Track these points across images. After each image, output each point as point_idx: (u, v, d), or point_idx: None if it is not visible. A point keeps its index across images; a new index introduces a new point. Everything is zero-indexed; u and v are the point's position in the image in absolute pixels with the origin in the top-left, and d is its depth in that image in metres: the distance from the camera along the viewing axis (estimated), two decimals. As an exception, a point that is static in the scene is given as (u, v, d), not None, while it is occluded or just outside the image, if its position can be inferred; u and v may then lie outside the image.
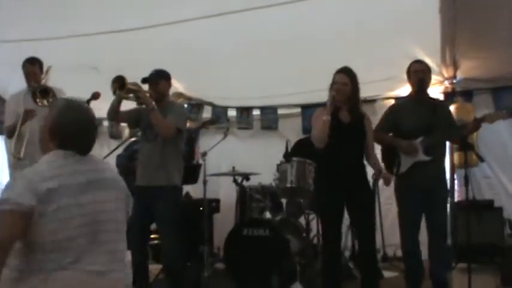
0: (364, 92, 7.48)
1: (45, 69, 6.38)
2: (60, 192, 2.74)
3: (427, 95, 5.67)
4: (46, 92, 6.10)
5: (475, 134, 6.79)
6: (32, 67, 6.30)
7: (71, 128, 2.96)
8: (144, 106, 5.54)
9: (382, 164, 5.57)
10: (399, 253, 6.57)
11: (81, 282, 2.75)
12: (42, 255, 2.70)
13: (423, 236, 5.50)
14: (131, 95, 5.50)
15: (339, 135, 5.19)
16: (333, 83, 5.31)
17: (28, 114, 6.17)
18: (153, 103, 5.49)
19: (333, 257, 5.40)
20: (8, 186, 2.78)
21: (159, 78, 5.72)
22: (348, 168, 5.22)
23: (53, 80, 6.38)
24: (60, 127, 2.94)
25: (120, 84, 5.42)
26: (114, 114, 5.75)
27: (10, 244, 2.68)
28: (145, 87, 5.70)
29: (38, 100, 6.07)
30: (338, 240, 5.41)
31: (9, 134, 6.34)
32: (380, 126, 5.71)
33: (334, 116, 5.23)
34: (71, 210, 2.76)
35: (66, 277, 2.71)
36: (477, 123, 5.41)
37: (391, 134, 5.65)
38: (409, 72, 5.60)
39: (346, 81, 5.27)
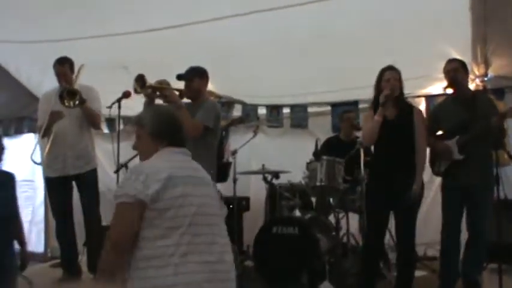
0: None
1: (77, 68, 6.46)
2: (174, 181, 2.93)
3: (465, 91, 5.65)
4: (73, 93, 6.17)
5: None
6: (62, 67, 6.39)
7: (170, 127, 3.22)
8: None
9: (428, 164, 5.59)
10: (429, 252, 6.57)
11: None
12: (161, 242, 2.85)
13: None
14: (157, 93, 5.51)
15: (385, 133, 5.22)
16: (383, 80, 5.36)
17: (54, 116, 6.26)
18: (180, 101, 5.48)
19: (374, 257, 5.44)
20: (126, 180, 2.94)
21: (193, 76, 5.67)
22: (393, 167, 5.25)
23: (84, 78, 6.47)
24: (162, 128, 3.18)
25: (141, 83, 5.44)
26: None
27: (133, 236, 2.88)
28: (181, 84, 5.72)
29: (65, 101, 6.16)
30: (381, 240, 5.45)
31: (41, 134, 6.44)
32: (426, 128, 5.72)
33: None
34: (184, 199, 2.93)
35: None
36: (501, 118, 5.38)
37: (439, 132, 5.63)
38: (444, 72, 5.61)
39: (397, 77, 5.33)
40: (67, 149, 6.41)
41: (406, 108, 5.41)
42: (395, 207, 5.32)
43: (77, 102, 6.18)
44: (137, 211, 2.85)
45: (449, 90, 5.78)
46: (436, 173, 5.67)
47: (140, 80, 5.40)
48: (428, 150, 5.66)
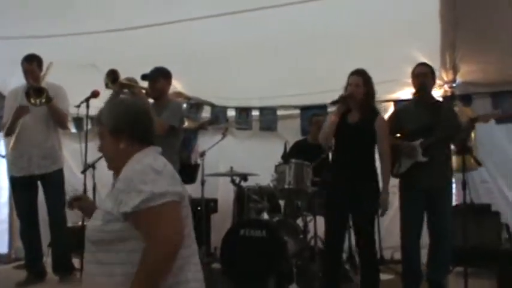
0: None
1: (45, 65, 6.38)
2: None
3: (430, 97, 5.71)
4: (40, 91, 6.09)
5: (473, 138, 6.82)
6: (30, 65, 6.31)
7: (144, 119, 2.91)
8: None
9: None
10: (396, 256, 6.61)
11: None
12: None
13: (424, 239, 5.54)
14: (126, 90, 5.48)
15: (345, 137, 5.23)
16: (348, 84, 5.37)
17: (19, 111, 6.18)
18: (149, 100, 5.49)
19: (335, 259, 5.44)
20: (149, 180, 2.57)
21: (158, 76, 5.71)
22: (352, 169, 5.25)
23: (53, 77, 6.39)
24: (135, 120, 2.85)
25: (113, 78, 5.41)
26: None
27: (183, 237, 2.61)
28: (145, 84, 5.71)
29: (31, 99, 6.07)
30: (341, 242, 5.46)
31: (5, 131, 6.35)
32: None
33: (342, 117, 5.32)
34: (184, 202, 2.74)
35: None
36: (472, 123, 5.46)
37: (398, 135, 5.67)
38: (413, 75, 5.64)
39: (359, 82, 5.32)
40: (33, 148, 6.32)
41: (370, 113, 5.39)
42: (354, 211, 5.33)
43: (43, 100, 6.09)
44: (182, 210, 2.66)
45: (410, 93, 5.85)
46: (395, 174, 5.67)
47: (112, 74, 5.38)
48: None
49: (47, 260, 6.65)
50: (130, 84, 5.48)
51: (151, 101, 5.66)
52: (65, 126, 6.62)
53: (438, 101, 5.93)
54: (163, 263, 2.52)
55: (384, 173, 5.33)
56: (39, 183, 6.51)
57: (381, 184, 5.29)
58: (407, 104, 6.09)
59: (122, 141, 2.78)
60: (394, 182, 5.78)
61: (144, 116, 2.91)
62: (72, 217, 7.47)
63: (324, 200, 6.31)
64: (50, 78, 6.39)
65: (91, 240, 2.68)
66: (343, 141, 5.35)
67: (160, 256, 2.50)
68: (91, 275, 2.68)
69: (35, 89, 6.10)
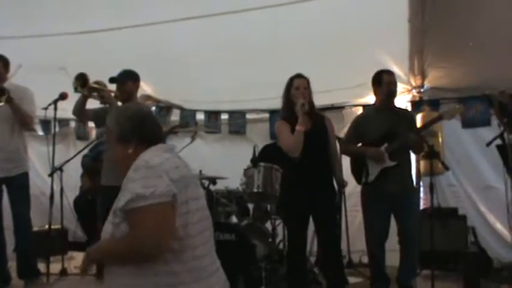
0: (332, 99, 7.60)
1: (13, 68, 6.30)
2: (183, 183, 2.67)
3: (393, 104, 5.76)
4: (1, 91, 6.01)
5: (440, 142, 6.90)
6: None
7: (150, 123, 2.91)
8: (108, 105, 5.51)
9: (351, 175, 5.71)
10: (364, 259, 6.64)
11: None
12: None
13: (390, 242, 5.58)
14: (95, 93, 5.45)
15: (303, 145, 5.17)
16: (292, 87, 5.32)
17: None
18: (117, 103, 5.46)
19: (298, 262, 5.42)
20: (144, 181, 2.55)
21: (126, 79, 5.69)
22: (312, 173, 5.23)
23: (20, 79, 6.33)
24: (141, 125, 2.86)
25: (82, 82, 5.38)
26: (80, 112, 5.72)
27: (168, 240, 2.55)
28: (113, 87, 5.68)
29: None
30: (303, 245, 5.43)
31: None
32: (347, 138, 5.81)
33: (294, 125, 5.20)
34: (192, 204, 2.69)
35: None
36: (435, 120, 5.54)
37: (359, 144, 5.71)
38: (379, 81, 5.65)
39: (306, 85, 5.32)
40: None
41: (318, 117, 5.42)
42: (315, 216, 5.31)
43: (2, 100, 6.00)
44: (174, 212, 2.57)
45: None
46: (363, 183, 5.69)
47: (81, 78, 5.34)
48: (349, 159, 5.81)
49: (12, 265, 6.54)
50: (100, 88, 5.45)
51: (119, 104, 5.62)
52: (29, 128, 6.48)
53: (398, 107, 5.98)
54: (132, 260, 2.57)
55: (337, 165, 5.49)
56: (4, 187, 6.41)
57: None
58: (367, 111, 6.12)
59: (130, 147, 2.81)
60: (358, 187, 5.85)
61: (150, 120, 2.93)
62: (40, 220, 7.41)
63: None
64: (18, 80, 6.31)
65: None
66: (301, 151, 5.26)
67: (131, 255, 2.55)
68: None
69: None
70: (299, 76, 5.35)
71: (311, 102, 5.31)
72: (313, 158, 5.21)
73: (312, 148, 5.19)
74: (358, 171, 5.69)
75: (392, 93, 5.64)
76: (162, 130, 3.00)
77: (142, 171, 2.58)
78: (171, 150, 2.87)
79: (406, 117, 5.77)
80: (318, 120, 5.38)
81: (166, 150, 2.83)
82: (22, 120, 6.26)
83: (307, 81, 5.33)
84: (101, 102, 5.64)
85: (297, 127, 5.13)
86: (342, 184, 5.42)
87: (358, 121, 5.94)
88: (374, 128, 5.62)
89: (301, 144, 5.14)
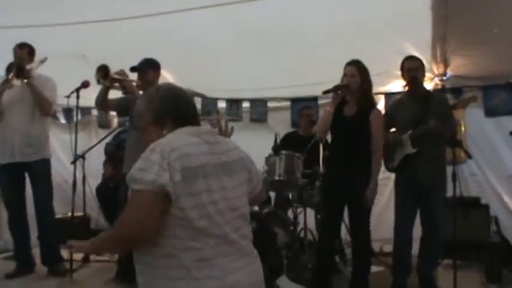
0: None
1: (38, 57, 6.36)
2: (198, 172, 2.57)
3: (422, 89, 5.73)
4: (21, 71, 6.07)
5: (463, 131, 6.85)
6: (20, 51, 6.34)
7: (183, 100, 2.82)
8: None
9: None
10: (385, 248, 6.63)
11: None
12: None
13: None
14: (116, 84, 5.48)
15: (341, 129, 5.21)
16: (343, 74, 5.36)
17: (3, 84, 6.17)
18: (139, 92, 5.48)
19: (328, 251, 5.46)
20: (143, 164, 2.49)
21: (148, 68, 5.73)
22: (348, 161, 5.25)
23: (43, 67, 6.36)
24: (174, 103, 2.77)
25: (104, 74, 5.42)
26: (102, 102, 5.75)
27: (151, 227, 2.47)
28: (135, 75, 5.70)
29: (10, 75, 6.06)
30: (335, 233, 5.48)
31: None
32: None
33: (339, 109, 5.29)
34: (204, 196, 2.57)
35: None
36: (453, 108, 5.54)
37: (392, 130, 5.69)
38: (402, 69, 5.65)
39: (354, 73, 5.30)
40: (16, 135, 6.28)
41: (367, 106, 5.38)
42: (349, 202, 5.34)
43: (25, 81, 6.08)
44: (161, 203, 2.46)
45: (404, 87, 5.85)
46: (390, 169, 5.72)
47: (103, 70, 5.38)
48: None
49: (36, 251, 6.62)
50: (121, 78, 5.48)
51: (141, 93, 5.64)
52: (47, 113, 6.47)
53: (430, 92, 5.93)
54: (120, 242, 2.60)
55: (374, 165, 5.32)
56: (26, 174, 6.48)
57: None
58: (400, 97, 6.10)
59: (165, 127, 2.72)
60: (385, 174, 5.81)
61: (183, 98, 2.84)
62: (63, 208, 7.48)
63: (314, 191, 6.36)
64: (40, 69, 6.36)
65: None
66: (339, 134, 5.31)
67: (117, 236, 2.57)
68: None
69: (18, 68, 6.09)
70: (350, 63, 5.39)
71: (359, 88, 5.32)
72: (349, 142, 5.27)
73: (349, 132, 5.26)
74: (385, 156, 5.68)
75: (413, 79, 5.59)
76: (195, 108, 2.87)
77: (146, 153, 2.53)
78: (199, 133, 2.71)
79: (438, 101, 5.71)
80: (365, 108, 5.35)
81: (192, 133, 2.69)
82: (41, 104, 6.30)
83: (359, 68, 5.35)
84: (123, 93, 5.67)
85: (327, 108, 5.26)
86: (372, 186, 5.28)
87: (390, 108, 5.98)
88: (402, 114, 5.63)
89: (327, 126, 5.26)
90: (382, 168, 5.65)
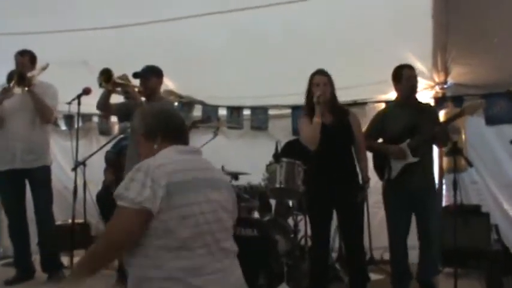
0: (355, 95, 7.57)
1: (40, 64, 6.37)
2: (185, 187, 2.78)
3: (415, 99, 5.74)
4: (23, 78, 6.08)
5: (464, 139, 6.85)
6: (22, 58, 6.34)
7: (174, 119, 3.09)
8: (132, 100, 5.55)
9: (373, 171, 5.66)
10: (386, 256, 6.61)
11: None
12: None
13: (412, 240, 5.56)
14: (119, 88, 5.49)
15: (324, 138, 5.19)
16: (313, 84, 5.32)
17: (3, 92, 6.17)
18: (141, 98, 5.49)
19: (321, 258, 5.43)
20: (127, 182, 2.73)
21: (150, 74, 5.74)
22: (336, 168, 5.23)
23: (43, 73, 6.37)
24: (166, 120, 3.05)
25: (106, 77, 5.43)
26: (104, 106, 5.76)
27: (129, 241, 2.72)
28: (137, 82, 5.71)
29: (11, 83, 6.06)
30: (326, 241, 5.44)
31: None
32: (368, 133, 5.76)
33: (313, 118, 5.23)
34: (186, 209, 2.76)
35: None
36: (457, 116, 5.49)
37: (380, 140, 5.70)
38: (399, 77, 5.64)
39: (326, 81, 5.30)
40: (17, 142, 6.27)
41: (341, 111, 5.41)
42: (339, 210, 5.32)
43: (26, 89, 6.09)
44: (141, 219, 2.68)
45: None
46: (386, 179, 5.69)
47: (106, 73, 5.39)
48: (370, 156, 5.74)
49: (36, 258, 6.62)
50: (124, 83, 5.49)
51: (143, 99, 5.66)
52: (48, 121, 6.50)
53: (421, 102, 5.94)
54: (104, 251, 2.77)
55: (363, 162, 5.39)
56: (26, 180, 6.48)
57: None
58: (388, 107, 6.12)
59: (155, 142, 2.98)
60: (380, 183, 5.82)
61: (174, 116, 3.12)
62: (63, 214, 7.48)
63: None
64: (41, 75, 6.37)
65: None
66: (322, 144, 5.28)
67: (101, 246, 2.78)
68: None
69: (19, 76, 6.09)
70: (319, 72, 5.37)
71: (331, 97, 5.30)
72: (333, 151, 5.22)
73: (331, 141, 5.20)
74: (381, 167, 5.67)
75: (413, 88, 5.62)
76: (185, 126, 3.13)
77: (132, 173, 2.75)
78: (186, 152, 3.00)
79: (429, 111, 5.77)
80: (341, 114, 5.38)
81: (180, 152, 2.96)
82: (42, 112, 6.30)
83: (328, 77, 5.34)
84: (125, 98, 5.68)
85: (314, 119, 5.16)
86: (366, 180, 5.37)
87: (379, 116, 5.93)
88: (395, 124, 5.61)
89: (318, 136, 5.15)
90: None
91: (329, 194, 5.22)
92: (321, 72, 5.36)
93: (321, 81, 5.30)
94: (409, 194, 5.45)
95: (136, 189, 2.67)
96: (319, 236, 5.40)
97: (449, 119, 5.67)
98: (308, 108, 5.38)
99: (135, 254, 2.72)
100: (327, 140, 5.18)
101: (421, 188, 5.44)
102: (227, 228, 2.98)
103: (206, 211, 2.81)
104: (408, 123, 5.51)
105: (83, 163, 6.91)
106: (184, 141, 3.05)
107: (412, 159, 5.45)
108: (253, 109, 8.70)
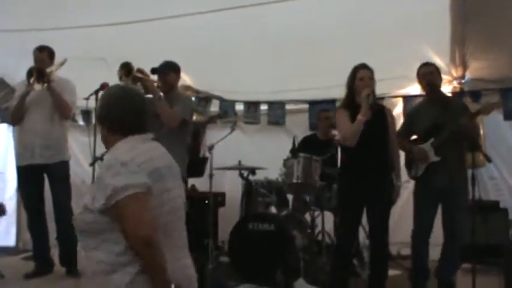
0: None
1: (58, 60, 6.40)
2: (157, 175, 2.74)
3: (440, 94, 5.70)
4: (42, 75, 6.11)
5: (482, 135, 6.81)
6: (40, 54, 6.35)
7: (132, 110, 2.91)
8: (150, 95, 5.56)
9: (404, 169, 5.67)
10: (403, 252, 6.61)
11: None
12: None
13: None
14: (138, 83, 5.51)
15: (361, 133, 5.15)
16: (357, 78, 5.26)
17: (24, 89, 6.22)
18: (160, 93, 5.51)
19: (347, 255, 5.45)
20: (113, 174, 2.62)
21: (169, 70, 5.76)
22: (369, 163, 5.20)
23: (62, 70, 6.40)
24: (124, 112, 2.89)
25: (126, 71, 5.44)
26: None
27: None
28: (154, 77, 5.73)
29: (31, 80, 6.10)
30: (353, 239, 5.45)
31: (13, 118, 6.41)
32: (399, 131, 5.74)
33: (353, 114, 5.20)
34: (164, 195, 2.76)
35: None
36: (471, 117, 5.46)
37: (414, 137, 5.67)
38: (418, 75, 5.64)
39: (371, 76, 5.25)
40: (36, 137, 6.32)
41: (378, 108, 5.37)
42: (369, 205, 5.31)
43: (45, 85, 6.13)
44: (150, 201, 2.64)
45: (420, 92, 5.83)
46: (412, 177, 5.70)
47: (126, 67, 5.40)
48: (403, 153, 5.71)
49: (55, 252, 6.66)
50: (144, 77, 5.51)
51: (161, 94, 5.68)
52: (66, 116, 6.51)
53: (448, 96, 5.90)
54: (146, 248, 2.56)
55: (396, 160, 5.37)
56: (45, 175, 6.52)
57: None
58: (419, 104, 6.07)
59: (104, 128, 2.89)
60: (405, 177, 5.79)
61: (130, 104, 2.91)
62: (80, 210, 7.50)
63: (331, 194, 6.35)
64: (59, 71, 6.41)
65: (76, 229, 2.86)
66: (360, 139, 5.25)
67: (138, 245, 2.57)
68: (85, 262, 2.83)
69: (38, 71, 6.13)
70: (364, 67, 5.29)
71: (374, 93, 5.25)
72: (371, 147, 5.18)
73: (370, 138, 5.14)
74: (410, 165, 5.67)
75: (431, 83, 5.58)
76: (142, 116, 2.94)
77: (116, 168, 2.63)
78: (147, 140, 2.89)
79: (456, 105, 5.72)
80: (378, 110, 5.34)
81: (142, 141, 2.85)
82: (60, 108, 6.34)
83: (372, 71, 5.27)
84: (144, 92, 5.70)
85: (359, 116, 5.09)
86: (399, 178, 5.35)
87: (409, 114, 5.96)
88: (422, 121, 5.61)
89: (359, 134, 5.11)
90: (403, 171, 5.64)
91: (362, 190, 5.20)
92: (365, 67, 5.28)
93: (366, 76, 5.23)
94: (435, 191, 5.45)
95: (137, 177, 2.62)
96: (347, 232, 5.42)
97: (466, 123, 5.62)
98: (347, 101, 5.37)
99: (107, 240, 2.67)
100: (364, 136, 5.14)
101: (447, 185, 5.40)
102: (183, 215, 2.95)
103: (171, 198, 2.81)
104: (433, 120, 5.48)
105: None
106: (142, 130, 2.90)
107: (434, 158, 5.42)
108: (270, 104, 8.68)
